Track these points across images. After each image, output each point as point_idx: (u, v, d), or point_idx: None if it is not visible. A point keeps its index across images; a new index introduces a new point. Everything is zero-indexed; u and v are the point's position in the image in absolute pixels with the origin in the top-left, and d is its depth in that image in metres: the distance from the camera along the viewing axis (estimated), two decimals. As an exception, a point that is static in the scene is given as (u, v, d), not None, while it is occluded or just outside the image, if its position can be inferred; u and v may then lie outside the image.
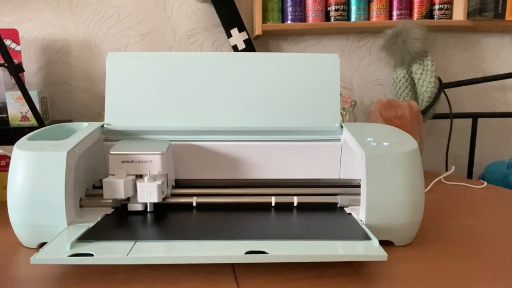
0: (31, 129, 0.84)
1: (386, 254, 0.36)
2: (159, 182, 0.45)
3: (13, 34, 0.94)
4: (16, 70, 0.77)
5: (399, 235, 0.46)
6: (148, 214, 0.47)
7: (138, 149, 0.48)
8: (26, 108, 0.84)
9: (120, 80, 0.56)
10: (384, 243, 0.44)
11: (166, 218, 0.46)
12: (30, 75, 1.05)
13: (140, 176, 0.47)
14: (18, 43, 0.94)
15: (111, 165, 0.47)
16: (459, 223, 0.54)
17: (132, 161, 0.47)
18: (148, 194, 0.45)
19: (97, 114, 1.09)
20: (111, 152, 0.47)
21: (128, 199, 0.48)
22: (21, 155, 0.45)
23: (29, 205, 0.43)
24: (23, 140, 0.48)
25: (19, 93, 0.83)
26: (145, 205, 0.48)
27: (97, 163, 0.54)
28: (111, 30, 1.07)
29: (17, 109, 0.86)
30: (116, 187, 0.45)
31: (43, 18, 1.03)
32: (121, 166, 0.46)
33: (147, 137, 0.55)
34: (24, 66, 0.98)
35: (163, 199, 0.48)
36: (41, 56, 1.05)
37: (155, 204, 0.48)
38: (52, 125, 0.56)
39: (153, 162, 0.47)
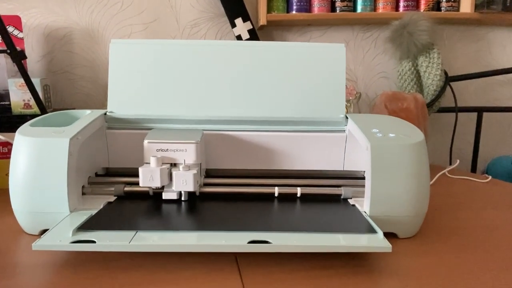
0: (33, 116, 0.84)
1: (390, 246, 0.36)
2: (195, 171, 0.45)
3: (16, 21, 0.93)
4: (18, 57, 0.76)
5: (403, 228, 0.45)
6: (149, 203, 0.46)
7: (173, 137, 0.47)
8: (28, 95, 0.84)
9: (123, 68, 0.56)
10: (388, 235, 0.44)
11: (167, 207, 0.45)
12: (33, 63, 1.05)
13: (174, 165, 0.47)
14: (20, 30, 0.94)
15: (146, 154, 0.46)
16: (463, 216, 0.54)
17: (167, 149, 0.46)
18: (184, 182, 0.45)
19: (100, 103, 1.09)
20: (147, 141, 0.46)
21: (160, 187, 0.47)
22: (23, 141, 0.44)
23: (31, 191, 0.43)
24: (25, 126, 0.48)
25: (21, 80, 0.82)
26: (180, 193, 0.48)
27: (99, 151, 0.54)
28: (114, 18, 1.06)
29: (19, 97, 0.85)
30: (154, 175, 0.44)
31: (46, 5, 1.03)
32: (156, 154, 0.46)
33: (150, 125, 0.54)
34: (27, 54, 0.97)
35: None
36: (43, 43, 1.04)
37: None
38: (54, 112, 0.55)
39: (188, 151, 0.46)
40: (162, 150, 0.46)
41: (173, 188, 0.45)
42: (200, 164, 0.48)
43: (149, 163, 0.46)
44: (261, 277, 0.37)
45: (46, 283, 0.35)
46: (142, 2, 1.06)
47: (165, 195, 0.47)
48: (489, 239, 0.46)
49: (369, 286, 0.35)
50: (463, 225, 0.50)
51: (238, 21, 1.03)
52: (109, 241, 0.36)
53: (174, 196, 0.47)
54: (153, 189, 0.48)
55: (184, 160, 0.46)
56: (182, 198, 0.48)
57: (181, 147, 0.46)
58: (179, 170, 0.45)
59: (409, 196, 0.44)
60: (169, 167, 0.46)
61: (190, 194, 0.49)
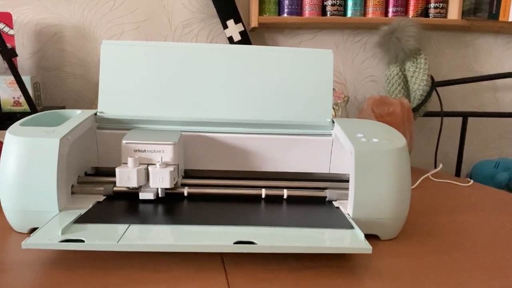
0: (23, 114, 0.84)
1: (370, 247, 0.37)
2: (172, 168, 0.46)
3: (7, 18, 0.93)
4: (9, 55, 0.76)
5: (385, 230, 0.47)
6: (141, 203, 0.47)
7: (150, 138, 0.48)
8: (18, 93, 0.84)
9: (114, 69, 0.56)
10: (370, 237, 0.46)
11: (159, 208, 0.46)
12: (23, 60, 1.04)
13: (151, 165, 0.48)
14: (11, 27, 0.93)
15: (124, 154, 0.47)
16: (444, 219, 0.56)
17: (145, 150, 0.47)
18: (161, 179, 0.46)
19: (90, 100, 1.09)
20: (124, 141, 0.47)
21: (138, 187, 0.48)
22: (13, 140, 0.45)
23: (21, 190, 0.44)
24: (15, 126, 0.49)
25: (11, 78, 0.82)
26: (157, 193, 0.48)
27: (89, 151, 0.54)
28: (106, 17, 1.06)
29: (9, 94, 0.85)
30: (130, 175, 0.45)
31: (37, 2, 1.02)
32: (134, 155, 0.47)
33: (140, 126, 0.55)
34: (17, 51, 0.97)
35: (173, 188, 0.49)
36: (34, 41, 1.04)
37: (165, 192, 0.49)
38: (45, 112, 0.56)
39: (165, 151, 0.47)
40: (139, 150, 0.47)
41: (150, 185, 0.46)
42: (178, 165, 0.49)
43: (126, 163, 0.47)
44: (246, 276, 0.38)
45: (35, 281, 0.36)
46: (134, 1, 1.06)
47: (142, 195, 0.48)
48: (466, 241, 0.48)
49: (351, 285, 0.37)
50: (442, 227, 0.52)
51: (230, 22, 1.04)
52: (98, 240, 0.37)
53: (151, 196, 0.48)
54: (130, 189, 0.49)
55: (161, 158, 0.47)
56: (160, 195, 0.48)
57: (159, 148, 0.47)
58: (156, 167, 0.46)
59: (391, 199, 0.45)
60: (146, 168, 0.47)
61: (178, 195, 0.50)
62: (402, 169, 0.46)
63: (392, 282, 0.37)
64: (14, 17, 1.00)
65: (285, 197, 0.51)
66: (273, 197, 0.51)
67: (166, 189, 0.48)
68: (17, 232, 0.46)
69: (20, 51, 1.03)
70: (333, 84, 1.16)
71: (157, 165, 0.46)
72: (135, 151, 0.47)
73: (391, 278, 0.38)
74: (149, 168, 0.46)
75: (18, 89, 0.78)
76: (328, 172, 0.58)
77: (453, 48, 1.21)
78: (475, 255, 0.44)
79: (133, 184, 0.45)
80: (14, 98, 0.85)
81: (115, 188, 0.49)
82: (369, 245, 0.38)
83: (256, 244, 0.37)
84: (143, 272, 0.38)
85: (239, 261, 0.40)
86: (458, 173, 1.20)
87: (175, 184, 0.49)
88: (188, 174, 0.56)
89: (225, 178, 0.53)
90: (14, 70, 0.76)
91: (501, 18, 1.10)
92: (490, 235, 0.50)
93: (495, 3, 1.09)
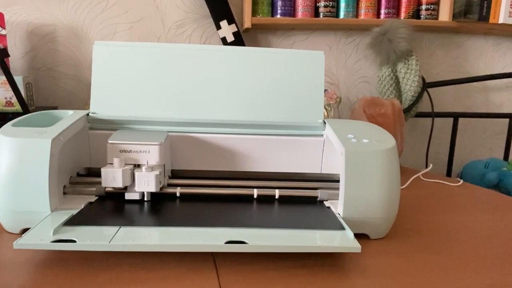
0: (15, 114, 0.84)
1: (360, 246, 0.38)
2: (157, 172, 0.46)
3: (-2, 18, 0.92)
4: (1, 55, 0.76)
5: (375, 229, 0.47)
6: (133, 203, 0.48)
7: (136, 139, 0.48)
8: (10, 93, 0.83)
9: (107, 69, 0.57)
10: (360, 236, 0.46)
11: (151, 207, 0.46)
12: (16, 60, 1.04)
13: (137, 166, 0.48)
14: (3, 27, 0.93)
15: (109, 154, 0.47)
16: (433, 218, 0.56)
17: (131, 150, 0.47)
18: (146, 183, 0.46)
19: (82, 101, 1.08)
20: (110, 141, 0.47)
21: (125, 188, 0.48)
22: (5, 141, 0.45)
23: (13, 191, 0.44)
24: (7, 126, 0.49)
25: (3, 78, 0.82)
26: (142, 194, 0.49)
27: (81, 151, 0.54)
28: (99, 17, 1.06)
29: (1, 94, 0.85)
30: (115, 176, 0.45)
31: (30, 2, 1.02)
32: (119, 155, 0.47)
33: (132, 127, 0.55)
34: (9, 51, 0.97)
35: (160, 189, 0.49)
36: (27, 41, 1.04)
37: (152, 194, 0.49)
38: (37, 112, 0.56)
39: (151, 152, 0.47)
40: (125, 151, 0.47)
41: (136, 188, 0.46)
42: (164, 165, 0.49)
43: (112, 163, 0.47)
44: (238, 276, 0.38)
45: (27, 281, 0.36)
46: (128, 1, 1.06)
47: (128, 196, 0.48)
48: (455, 240, 0.49)
49: (341, 283, 0.37)
50: (431, 227, 0.53)
51: (223, 23, 1.04)
52: (90, 240, 0.37)
53: (136, 196, 0.48)
54: (116, 189, 0.49)
55: (147, 161, 0.47)
56: (145, 199, 0.48)
57: (144, 149, 0.47)
58: (141, 171, 0.46)
59: (380, 199, 0.46)
60: (132, 168, 0.47)
61: (170, 195, 0.50)
62: (391, 169, 0.47)
63: (381, 280, 0.38)
64: (6, 17, 0.99)
65: (277, 197, 0.51)
66: (265, 197, 0.51)
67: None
68: (9, 232, 0.46)
69: (12, 51, 1.02)
70: (326, 85, 1.17)
71: (143, 168, 0.46)
72: (121, 151, 0.47)
73: (380, 276, 0.39)
74: (135, 172, 0.46)
75: (10, 89, 0.78)
76: (319, 172, 0.58)
77: (444, 50, 1.22)
78: (464, 254, 0.45)
79: (119, 184, 0.46)
80: (6, 98, 0.85)
81: (107, 189, 0.49)
82: (358, 244, 0.38)
83: (248, 243, 0.38)
84: (135, 272, 0.38)
85: (230, 261, 0.41)
86: (449, 173, 1.21)
87: (161, 186, 0.49)
88: (175, 174, 0.56)
89: (216, 179, 0.53)
90: (6, 70, 0.76)
91: (491, 20, 1.12)
92: (479, 234, 0.51)
93: (485, 5, 1.11)
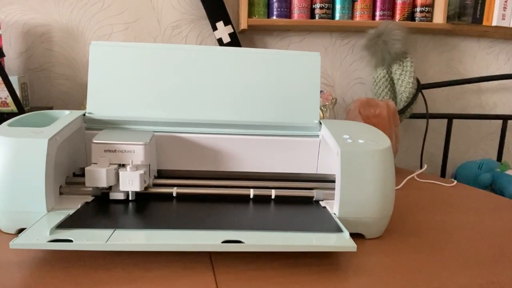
0: (10, 114, 0.83)
1: (355, 246, 0.38)
2: (142, 171, 0.46)
3: (-7, 17, 0.92)
4: (-4, 55, 0.76)
5: (370, 229, 0.48)
6: (129, 203, 0.48)
7: (121, 138, 0.48)
8: (6, 93, 0.83)
9: (103, 70, 0.57)
10: (355, 236, 0.47)
11: (146, 207, 0.47)
12: (11, 60, 1.03)
13: (122, 166, 0.48)
14: (-2, 27, 0.93)
15: (94, 154, 0.47)
16: (427, 218, 0.57)
17: (115, 150, 0.47)
18: (130, 182, 0.46)
19: (78, 101, 1.08)
20: (94, 141, 0.47)
21: (109, 187, 0.48)
22: (1, 141, 0.45)
23: (9, 191, 0.44)
24: (3, 126, 0.48)
25: (-2, 78, 0.81)
26: (127, 194, 0.49)
27: (78, 151, 0.54)
28: (94, 17, 1.06)
29: (-4, 94, 0.84)
30: (99, 175, 0.45)
31: (25, 2, 1.02)
32: (104, 155, 0.47)
33: (129, 127, 0.55)
34: (5, 51, 0.97)
35: (145, 188, 0.49)
36: (22, 41, 1.03)
37: (136, 193, 0.49)
38: (33, 112, 0.56)
39: (136, 152, 0.47)
40: (110, 151, 0.47)
41: (120, 188, 0.46)
42: (150, 165, 0.50)
43: (96, 163, 0.47)
44: (234, 275, 0.38)
45: (23, 281, 0.36)
46: (124, 2, 1.06)
47: (112, 195, 0.48)
48: (449, 240, 0.49)
49: (337, 282, 0.38)
50: (426, 226, 0.54)
51: (220, 24, 1.04)
52: (86, 240, 0.37)
53: (121, 196, 0.48)
54: (100, 189, 0.49)
55: (132, 161, 0.47)
56: (130, 198, 0.49)
57: (129, 148, 0.47)
58: (126, 170, 0.46)
59: (375, 199, 0.46)
60: (117, 168, 0.47)
61: (166, 196, 0.50)
62: (386, 170, 0.47)
63: (377, 279, 0.39)
64: (1, 17, 0.99)
65: (273, 197, 0.51)
66: (261, 197, 0.51)
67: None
68: (5, 232, 0.46)
69: (7, 50, 1.02)
70: (322, 86, 1.18)
71: (128, 168, 0.46)
72: (106, 151, 0.47)
73: (375, 275, 0.39)
74: (119, 171, 0.46)
75: (6, 89, 0.77)
76: (315, 172, 0.58)
77: (439, 52, 1.23)
78: (457, 253, 0.45)
79: (103, 184, 0.46)
80: (1, 98, 0.85)
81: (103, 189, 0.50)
82: (354, 243, 0.39)
83: (244, 243, 0.38)
84: (132, 271, 0.38)
85: (227, 261, 0.41)
86: (443, 174, 1.22)
87: (146, 186, 0.49)
88: (162, 174, 0.56)
89: (214, 179, 0.53)
90: (1, 70, 0.76)
91: (484, 23, 1.13)
92: (472, 234, 0.51)
93: (479, 7, 1.12)
